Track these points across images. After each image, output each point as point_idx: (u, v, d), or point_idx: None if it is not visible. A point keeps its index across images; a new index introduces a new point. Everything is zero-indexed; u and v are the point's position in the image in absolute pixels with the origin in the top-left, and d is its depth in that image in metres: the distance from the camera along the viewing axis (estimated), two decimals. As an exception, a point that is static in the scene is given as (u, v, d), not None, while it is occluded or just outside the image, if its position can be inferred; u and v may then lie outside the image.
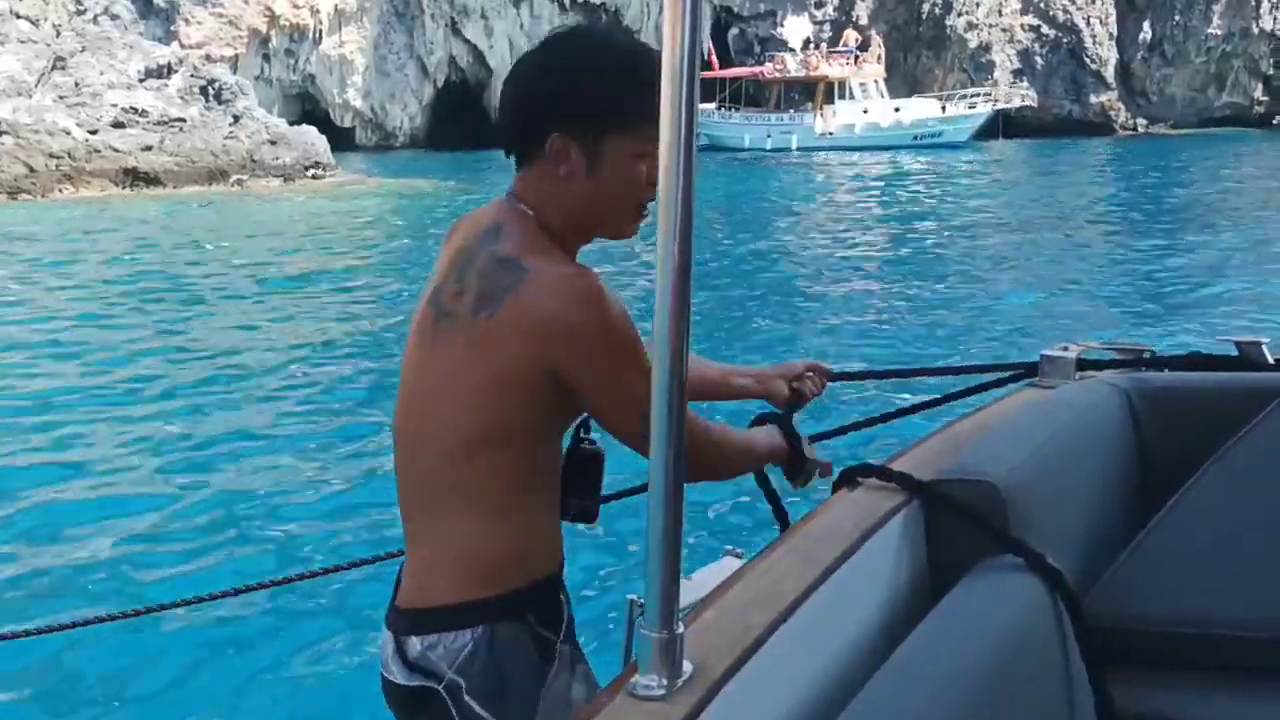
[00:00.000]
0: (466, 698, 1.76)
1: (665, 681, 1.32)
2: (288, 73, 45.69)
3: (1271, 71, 52.76)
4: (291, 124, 34.20)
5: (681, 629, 1.33)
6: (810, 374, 2.36)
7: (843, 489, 1.95)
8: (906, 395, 8.80)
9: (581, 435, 1.98)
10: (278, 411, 9.15)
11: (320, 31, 45.45)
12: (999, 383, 2.65)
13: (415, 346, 1.84)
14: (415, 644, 1.80)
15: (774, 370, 2.38)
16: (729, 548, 2.24)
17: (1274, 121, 52.33)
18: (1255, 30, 51.94)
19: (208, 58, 38.31)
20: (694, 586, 1.86)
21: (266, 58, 44.86)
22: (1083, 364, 2.63)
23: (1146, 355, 2.73)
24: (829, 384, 2.40)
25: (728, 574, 1.99)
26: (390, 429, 1.90)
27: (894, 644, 1.60)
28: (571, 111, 1.74)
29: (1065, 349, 2.66)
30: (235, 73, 38.01)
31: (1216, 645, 1.97)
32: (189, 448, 8.14)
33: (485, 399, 1.73)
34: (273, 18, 43.86)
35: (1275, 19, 51.94)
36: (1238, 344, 2.65)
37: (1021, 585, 1.76)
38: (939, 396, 2.70)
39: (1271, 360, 2.61)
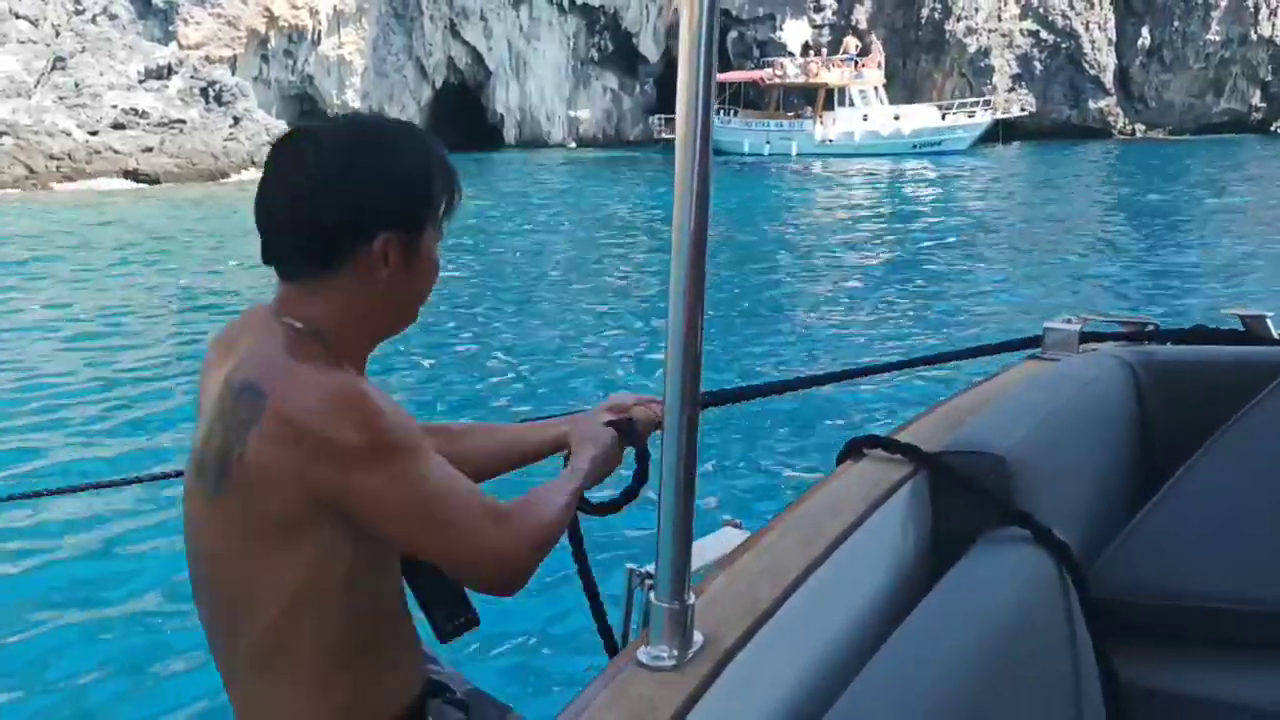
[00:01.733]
0: None
1: (676, 652, 1.32)
2: (286, 73, 45.69)
3: (1270, 78, 52.85)
4: (290, 125, 34.24)
5: (693, 600, 1.33)
6: (644, 405, 2.00)
7: (848, 460, 1.95)
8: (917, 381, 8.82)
9: None
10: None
11: (319, 32, 45.46)
12: (1001, 352, 2.64)
13: (187, 513, 1.61)
14: None
15: (597, 409, 2.02)
16: (727, 517, 2.23)
17: (1272, 128, 52.42)
18: (1254, 37, 52.03)
19: (206, 58, 38.31)
20: (694, 557, 1.86)
21: (265, 58, 44.87)
22: (1085, 337, 2.62)
23: (1150, 328, 2.71)
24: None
25: (728, 544, 1.98)
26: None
27: (900, 615, 1.60)
28: (403, 211, 1.61)
29: (1068, 321, 2.65)
30: (234, 73, 38.04)
31: (1221, 619, 1.96)
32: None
33: (269, 561, 1.52)
34: (271, 18, 43.87)
35: (1274, 25, 52.02)
36: (1243, 318, 2.63)
37: (1027, 558, 1.75)
38: (945, 353, 2.69)
39: (1276, 334, 2.59)
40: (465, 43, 49.49)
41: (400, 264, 1.61)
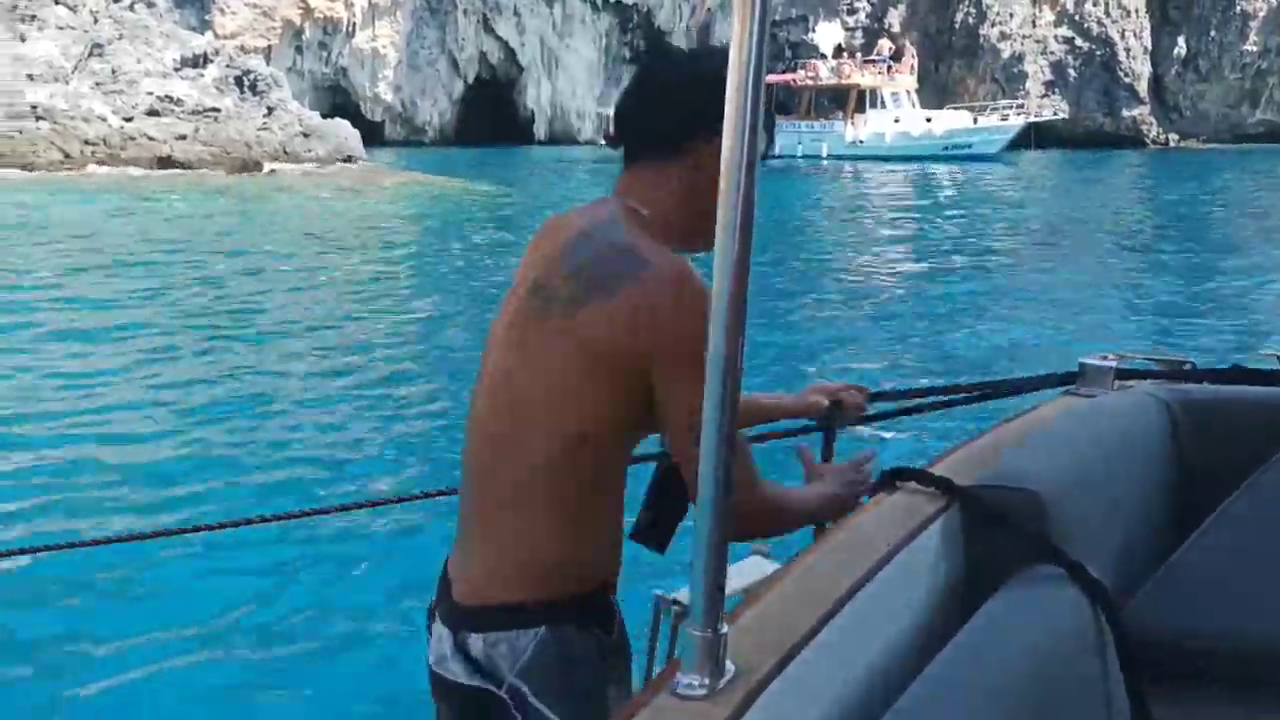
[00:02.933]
0: (533, 700, 1.75)
1: (708, 681, 1.32)
2: (320, 65, 45.90)
3: (1307, 89, 52.38)
4: (322, 116, 34.40)
5: (725, 629, 1.34)
6: (849, 391, 2.35)
7: (881, 492, 1.95)
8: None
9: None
10: (305, 386, 9.20)
11: (354, 25, 45.64)
12: (1037, 388, 2.63)
13: (507, 338, 1.82)
14: (477, 642, 1.78)
15: (810, 388, 2.39)
16: (755, 545, 2.23)
17: (1308, 139, 51.96)
18: (1292, 47, 51.58)
19: (241, 48, 38.53)
20: (732, 583, 1.86)
21: (299, 49, 45.08)
22: (1121, 373, 2.61)
23: (1187, 367, 2.71)
24: (869, 403, 2.40)
25: (755, 572, 1.96)
26: (467, 420, 1.87)
27: (933, 650, 1.59)
28: (719, 116, 1.76)
29: (1104, 358, 2.64)
30: (268, 64, 38.23)
31: (1259, 663, 1.95)
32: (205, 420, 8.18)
33: (580, 394, 1.72)
34: (307, 10, 44.07)
35: (1313, 37, 51.56)
36: None
37: (1061, 596, 1.75)
38: (979, 390, 2.69)
39: None
40: (498, 38, 49.58)
41: (715, 167, 1.77)
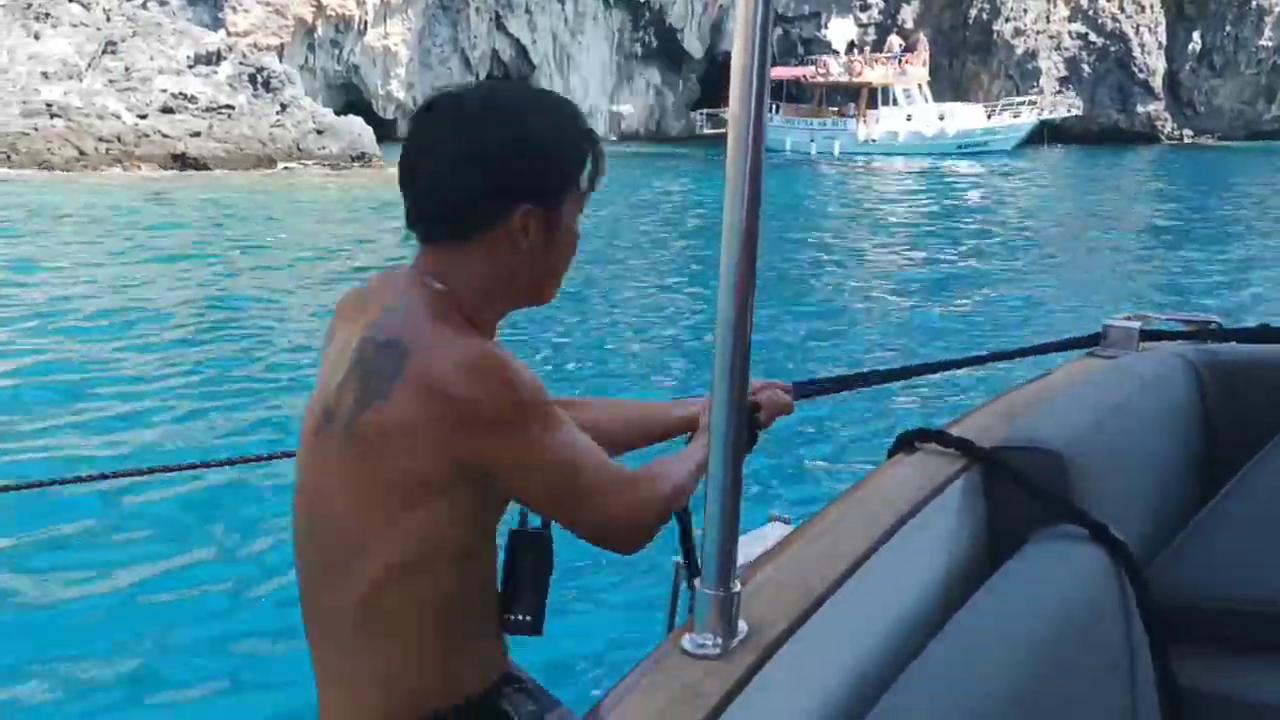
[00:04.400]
0: None
1: (720, 640, 1.31)
2: (332, 63, 45.96)
3: (1323, 85, 52.04)
4: (335, 114, 34.44)
5: (738, 587, 1.31)
6: (767, 390, 2.01)
7: (900, 453, 1.92)
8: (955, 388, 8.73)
9: (523, 516, 1.76)
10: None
11: (365, 23, 45.68)
12: (1062, 349, 2.59)
13: (305, 462, 1.63)
14: None
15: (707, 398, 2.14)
16: (774, 513, 2.20)
17: (1324, 136, 51.61)
18: (1308, 43, 51.25)
19: (255, 46, 38.63)
20: (739, 550, 1.84)
21: (311, 47, 45.14)
22: (1146, 335, 2.56)
23: (1212, 327, 2.65)
24: (793, 396, 2.15)
25: (773, 539, 1.95)
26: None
27: (952, 610, 1.57)
28: (544, 183, 1.61)
29: (1129, 319, 2.60)
30: (280, 61, 38.31)
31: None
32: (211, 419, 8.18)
33: (392, 517, 1.52)
34: (319, 7, 44.14)
35: (1328, 32, 51.22)
36: None
37: (1083, 556, 1.72)
38: (1002, 356, 2.65)
39: None
40: (510, 35, 49.58)
41: (540, 235, 1.62)
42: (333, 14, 44.68)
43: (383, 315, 1.58)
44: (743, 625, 1.33)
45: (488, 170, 1.57)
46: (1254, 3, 51.10)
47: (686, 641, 1.32)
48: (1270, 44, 51.36)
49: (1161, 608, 1.77)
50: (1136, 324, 2.57)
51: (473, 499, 1.54)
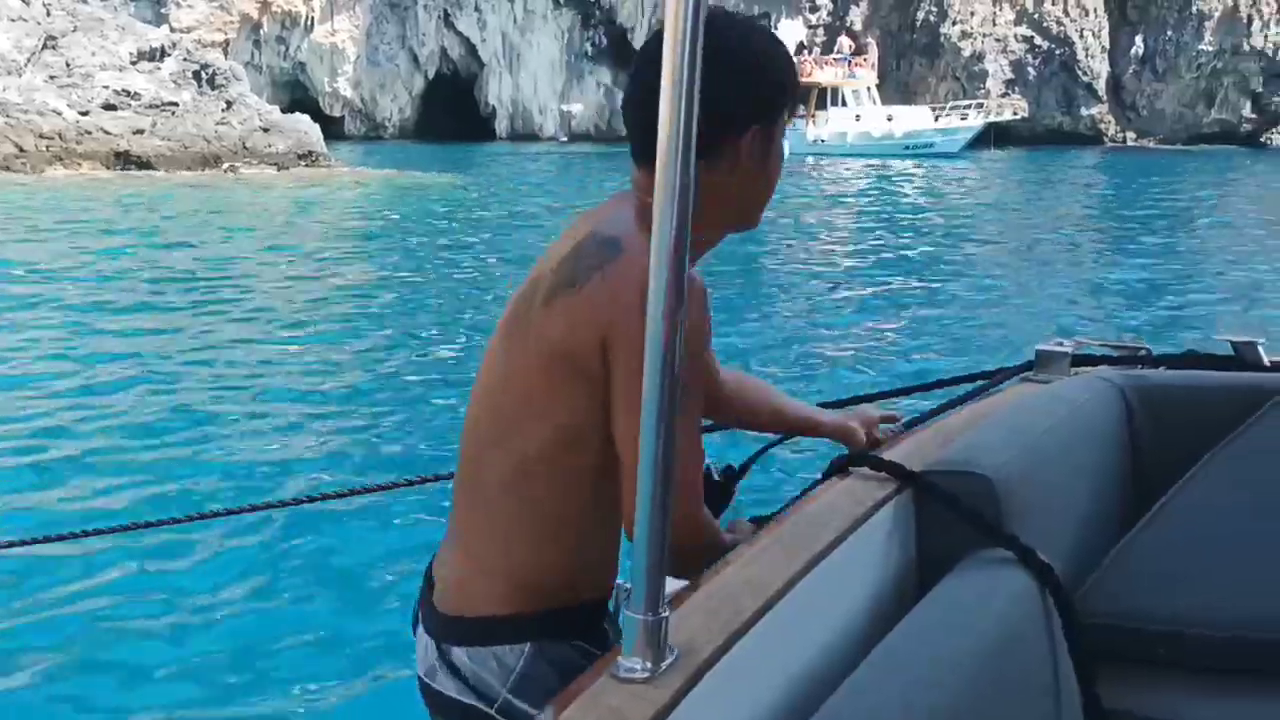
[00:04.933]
0: (533, 711, 1.63)
1: (650, 664, 1.30)
2: (278, 60, 45.55)
3: (1260, 89, 53.08)
4: (282, 112, 34.11)
5: (667, 612, 1.31)
6: (890, 421, 2.19)
7: (833, 477, 1.93)
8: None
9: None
10: (265, 387, 9.10)
11: (312, 19, 45.33)
12: (994, 379, 2.63)
13: (499, 335, 1.75)
14: (463, 656, 1.72)
15: (851, 412, 2.22)
16: None
17: (1262, 140, 52.65)
18: (1246, 48, 52.27)
19: (199, 42, 38.15)
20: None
21: (257, 44, 44.70)
22: (1078, 360, 2.62)
23: (1142, 353, 2.72)
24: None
25: None
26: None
27: (881, 633, 1.58)
28: (767, 104, 1.71)
29: (1060, 344, 2.64)
30: (226, 58, 37.88)
31: (1207, 645, 1.95)
32: (167, 422, 8.08)
33: (557, 391, 1.62)
34: (265, 4, 43.71)
35: (1265, 37, 52.26)
36: (1234, 344, 2.65)
37: (1011, 579, 1.74)
38: (933, 382, 2.68)
39: (1267, 361, 2.60)
40: (459, 33, 49.39)
41: (760, 155, 1.71)
42: (279, 10, 44.25)
43: (606, 220, 1.68)
44: (673, 649, 1.34)
45: (725, 91, 1.61)
46: (1194, 8, 52.08)
47: (615, 666, 1.32)
48: (1210, 48, 52.36)
49: (1088, 630, 1.79)
50: (1069, 349, 2.62)
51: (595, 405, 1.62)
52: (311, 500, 3.75)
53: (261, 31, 44.60)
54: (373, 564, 5.51)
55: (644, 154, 1.69)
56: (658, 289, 1.25)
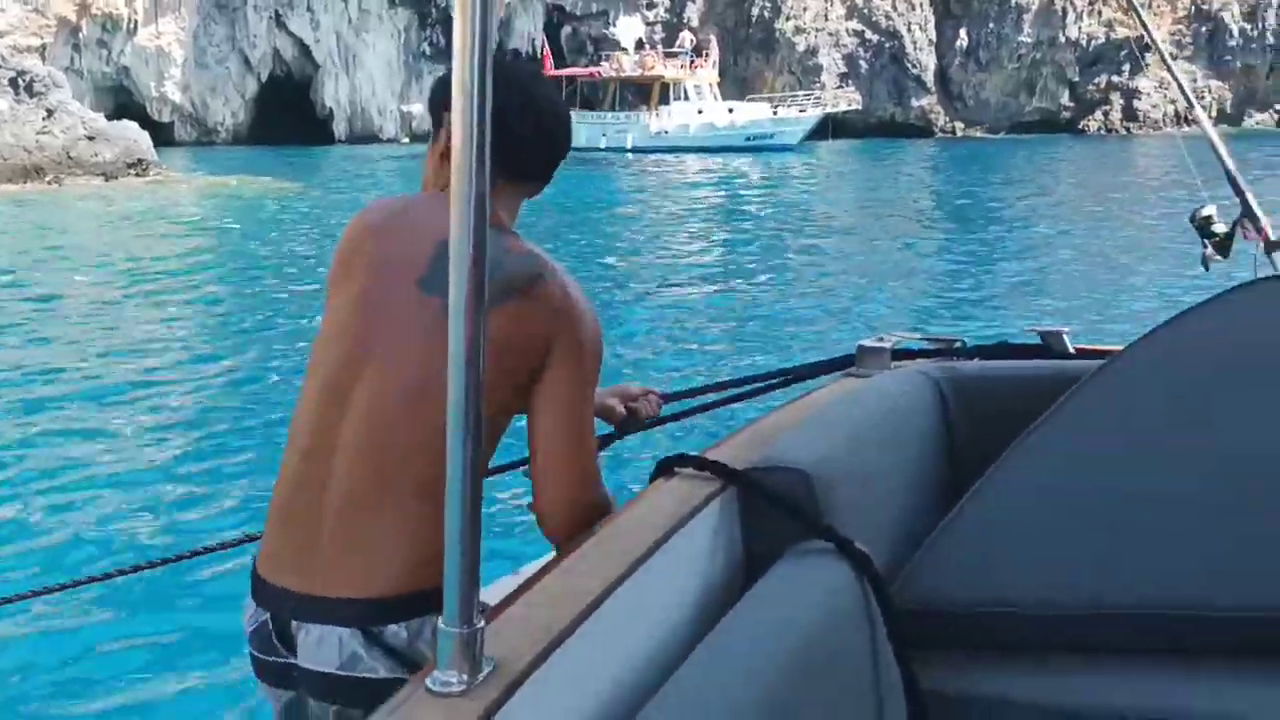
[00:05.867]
0: None
1: (465, 677, 1.29)
2: (100, 64, 43.68)
3: (1077, 79, 55.65)
4: (107, 119, 32.67)
5: (481, 623, 1.30)
6: (647, 396, 2.39)
7: (658, 480, 1.95)
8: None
9: None
10: (99, 415, 8.73)
11: (135, 22, 43.58)
12: (817, 375, 2.70)
13: (388, 319, 1.83)
14: (400, 631, 1.75)
15: (608, 390, 2.34)
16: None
17: (1080, 126, 55.20)
18: (1062, 39, 54.72)
19: (14, 48, 36.28)
20: (519, 580, 1.84)
21: (77, 48, 42.79)
22: (897, 354, 2.71)
23: (957, 345, 2.83)
24: (663, 405, 2.44)
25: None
26: (302, 412, 1.85)
27: (706, 632, 1.60)
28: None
29: (880, 340, 2.73)
30: (44, 64, 36.12)
31: (1018, 624, 2.04)
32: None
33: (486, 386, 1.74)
34: (83, 6, 41.86)
35: (1080, 28, 54.81)
36: (1041, 334, 2.79)
37: (830, 570, 1.79)
38: (758, 385, 2.73)
39: (1072, 349, 2.75)
40: (291, 34, 48.17)
41: None
42: (99, 13, 42.45)
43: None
44: (488, 661, 1.33)
45: (564, 132, 2.04)
46: (1013, 1, 54.25)
47: (430, 680, 1.30)
48: (1029, 40, 54.64)
49: (905, 616, 1.86)
50: (889, 344, 2.71)
51: (525, 392, 1.81)
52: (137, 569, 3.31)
53: (81, 35, 42.68)
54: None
55: (524, 167, 1.96)
56: (457, 299, 1.23)
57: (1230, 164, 3.21)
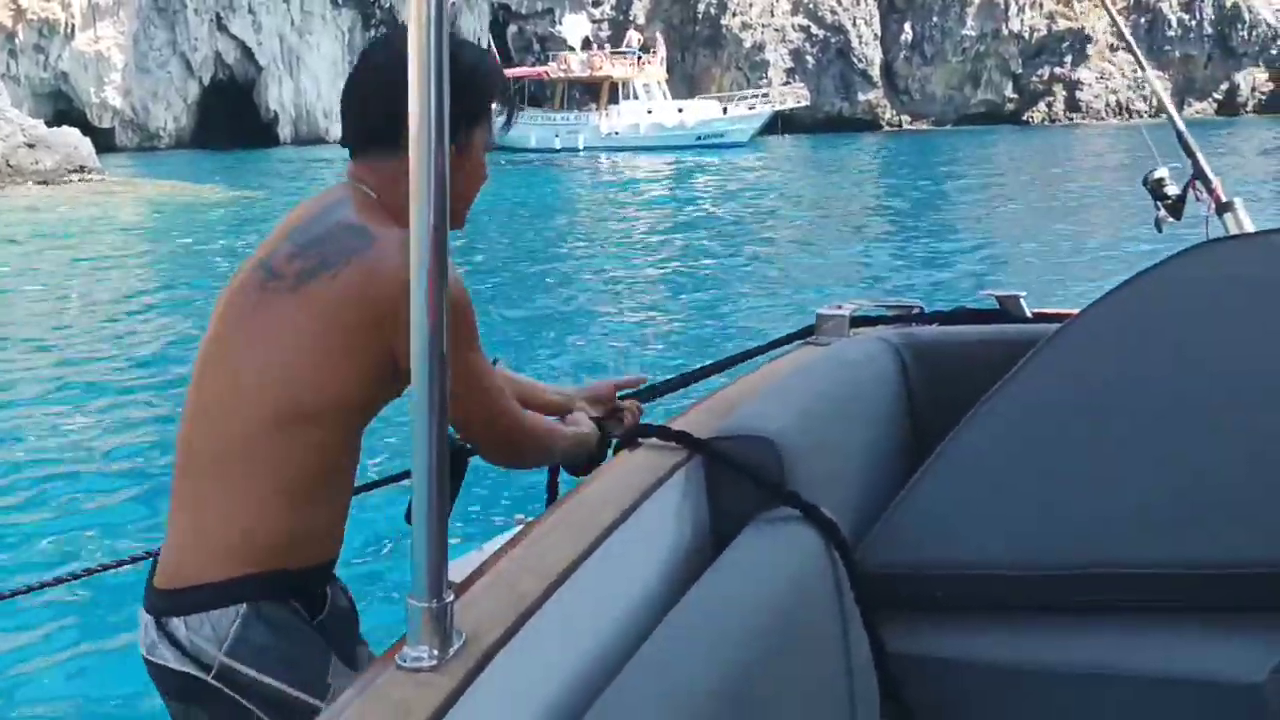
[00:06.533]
0: (250, 673, 1.71)
1: (435, 652, 1.27)
2: (38, 70, 42.96)
3: (1020, 70, 56.28)
4: (46, 125, 32.11)
5: (451, 597, 1.29)
6: (628, 404, 2.26)
7: (623, 451, 1.95)
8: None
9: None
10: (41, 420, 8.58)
11: (73, 26, 42.89)
12: (777, 345, 2.70)
13: (231, 310, 1.80)
14: (180, 626, 1.73)
15: (586, 392, 2.28)
16: (520, 516, 2.20)
17: (1024, 118, 55.84)
18: (1005, 32, 55.32)
19: (-53, 54, 35.62)
20: (484, 556, 1.82)
21: (13, 54, 42.06)
22: (856, 321, 2.72)
23: (916, 311, 2.84)
24: (644, 404, 2.36)
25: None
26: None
27: (674, 602, 1.60)
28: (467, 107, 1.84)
29: (839, 307, 2.74)
30: (-21, 70, 35.50)
31: (983, 586, 2.06)
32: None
33: (307, 367, 1.71)
34: (18, 10, 41.15)
35: (1022, 21, 55.43)
36: (998, 298, 2.81)
37: (797, 536, 1.79)
38: (727, 362, 2.73)
39: (1029, 313, 2.77)
40: (233, 37, 47.64)
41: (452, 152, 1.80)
42: (35, 18, 41.76)
43: (339, 206, 1.82)
44: (458, 636, 1.31)
45: (392, 94, 1.75)
46: (956, -6, 54.82)
47: (400, 656, 1.28)
48: (973, 33, 55.18)
49: (870, 580, 1.86)
50: (847, 311, 2.72)
51: (378, 376, 1.73)
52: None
53: (17, 40, 41.96)
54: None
55: (359, 147, 1.89)
56: (418, 278, 1.22)
57: (1181, 125, 3.25)
